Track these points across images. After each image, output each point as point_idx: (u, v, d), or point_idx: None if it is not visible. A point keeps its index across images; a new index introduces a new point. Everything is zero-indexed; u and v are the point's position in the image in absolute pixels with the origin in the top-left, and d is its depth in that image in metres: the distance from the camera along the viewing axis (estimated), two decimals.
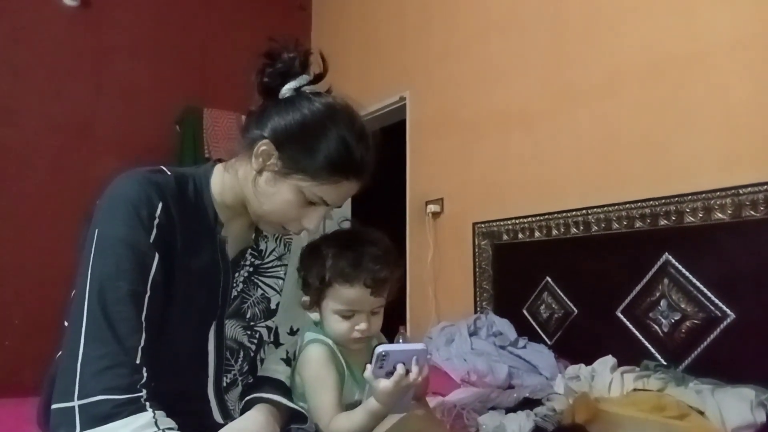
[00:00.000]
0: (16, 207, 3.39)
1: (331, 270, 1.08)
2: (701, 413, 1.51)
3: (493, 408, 1.76)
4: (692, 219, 1.97)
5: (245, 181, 1.01)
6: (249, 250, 1.12)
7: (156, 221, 0.93)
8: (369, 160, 1.01)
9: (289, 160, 0.97)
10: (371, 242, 1.12)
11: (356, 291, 1.08)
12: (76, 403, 0.81)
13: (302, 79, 1.02)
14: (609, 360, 1.92)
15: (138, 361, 0.86)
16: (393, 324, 2.57)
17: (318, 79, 1.05)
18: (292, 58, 1.01)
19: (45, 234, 3.30)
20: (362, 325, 1.10)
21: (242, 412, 1.05)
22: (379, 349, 0.98)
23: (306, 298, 1.15)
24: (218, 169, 1.07)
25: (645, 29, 2.21)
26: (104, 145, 3.61)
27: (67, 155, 3.56)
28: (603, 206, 2.27)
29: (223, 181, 1.05)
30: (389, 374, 1.00)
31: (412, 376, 1.00)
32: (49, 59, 3.60)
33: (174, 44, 4.00)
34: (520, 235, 2.63)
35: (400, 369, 0.99)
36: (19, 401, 1.48)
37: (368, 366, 1.01)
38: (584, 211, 2.33)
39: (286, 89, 1.00)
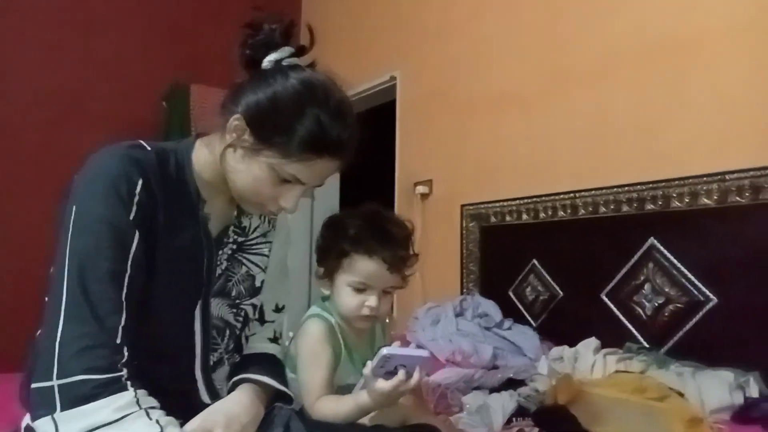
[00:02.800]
0: (4, 181, 3.35)
1: (354, 240, 1.09)
2: (681, 395, 1.54)
3: (477, 388, 1.78)
4: (678, 204, 1.99)
5: (221, 157, 0.99)
6: (232, 228, 1.10)
7: (136, 198, 0.90)
8: (346, 137, 0.96)
9: (260, 137, 0.94)
10: (395, 223, 1.14)
11: (374, 265, 1.09)
12: (55, 382, 0.80)
13: (284, 51, 0.98)
14: (592, 342, 1.94)
15: (118, 341, 0.84)
16: None
17: (301, 51, 1.01)
18: (273, 29, 0.98)
19: (30, 209, 3.25)
20: (373, 300, 1.11)
21: (229, 392, 1.04)
22: (384, 351, 0.97)
23: (320, 269, 1.14)
24: (199, 144, 1.04)
25: (640, 12, 2.20)
26: (91, 121, 3.56)
27: (54, 130, 3.51)
28: (590, 190, 2.28)
29: (203, 157, 1.02)
30: (388, 374, 0.99)
31: (412, 382, 1.00)
32: (36, 33, 3.53)
33: (162, 19, 3.93)
34: (507, 218, 2.63)
35: (401, 374, 0.99)
36: (1, 377, 1.47)
37: (368, 363, 1.01)
38: (572, 195, 2.34)
39: (267, 61, 0.97)
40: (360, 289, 1.11)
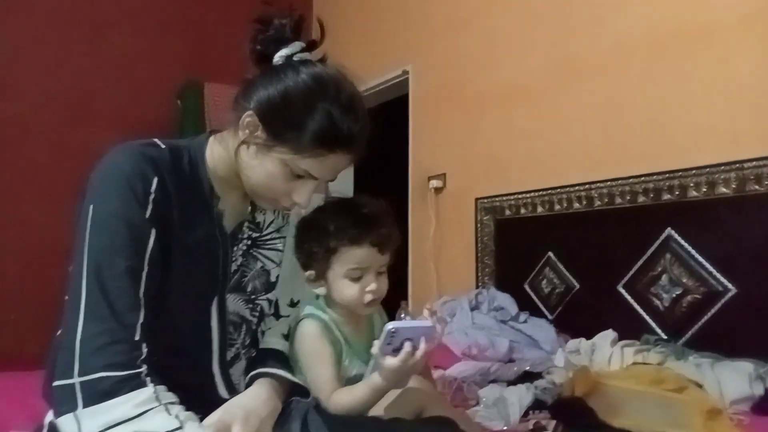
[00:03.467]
0: (17, 181, 3.40)
1: (337, 236, 1.09)
2: (700, 386, 1.53)
3: (493, 381, 1.78)
4: (695, 194, 1.96)
5: (235, 154, 0.99)
6: (246, 223, 1.10)
7: (152, 196, 0.91)
8: (358, 131, 0.96)
9: (272, 133, 0.94)
10: (365, 205, 1.13)
11: (364, 251, 1.09)
12: (76, 380, 0.81)
13: (294, 46, 0.98)
14: (609, 334, 1.93)
15: (137, 338, 0.86)
16: (395, 299, 2.58)
17: (312, 46, 1.01)
18: (283, 23, 0.97)
19: (46, 208, 3.29)
20: (372, 285, 1.11)
21: (246, 387, 1.05)
22: (389, 326, 0.98)
23: (310, 272, 1.15)
24: (212, 140, 1.05)
25: (650, 3, 2.18)
26: (104, 120, 3.60)
27: (66, 129, 3.54)
28: (606, 181, 2.26)
29: (217, 153, 1.03)
30: (396, 351, 1.00)
31: (419, 353, 1.00)
32: (47, 32, 3.57)
33: (175, 16, 3.95)
34: (522, 211, 2.62)
35: (407, 347, 0.99)
36: (26, 374, 1.50)
37: (376, 342, 1.01)
38: (587, 186, 2.33)
39: (278, 56, 0.97)
40: (356, 278, 1.11)
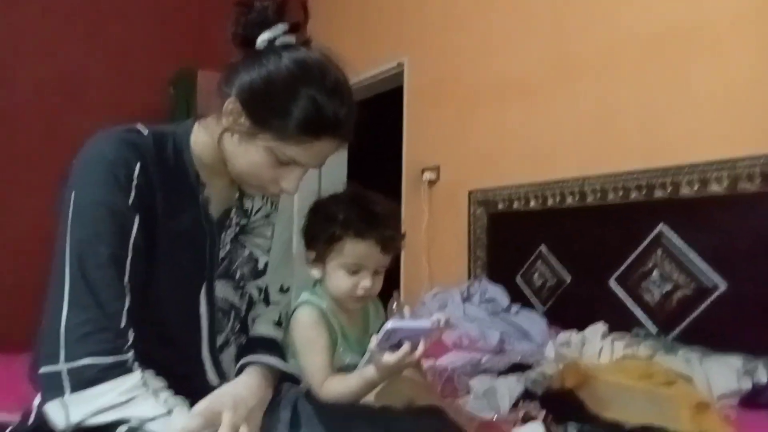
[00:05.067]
0: (8, 168, 3.37)
1: (344, 225, 1.09)
2: (689, 381, 1.53)
3: (484, 372, 1.78)
4: (688, 191, 1.97)
5: (219, 141, 0.97)
6: (234, 210, 1.09)
7: (134, 183, 0.90)
8: (344, 116, 0.93)
9: (256, 120, 0.92)
10: (381, 203, 1.14)
11: (367, 247, 1.09)
12: (63, 366, 0.81)
13: (277, 29, 0.94)
14: (600, 327, 1.94)
15: (122, 325, 0.85)
16: (388, 289, 2.58)
17: (295, 28, 0.97)
18: (265, 6, 0.94)
19: (36, 194, 3.26)
20: (366, 282, 1.11)
21: (236, 375, 1.04)
22: (389, 325, 0.97)
23: (310, 253, 1.15)
24: (197, 127, 1.03)
25: (645, 1, 2.18)
26: (97, 107, 3.57)
27: (59, 116, 3.52)
28: (599, 176, 2.26)
29: (202, 140, 1.01)
30: (393, 347, 1.00)
31: (417, 354, 1.01)
32: (41, 19, 3.53)
33: (168, 4, 3.92)
34: (515, 204, 2.62)
35: (406, 347, 1.00)
36: (11, 357, 1.49)
37: (374, 338, 1.01)
38: (580, 181, 2.33)
39: (261, 40, 0.94)
40: (353, 271, 1.11)
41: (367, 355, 1.07)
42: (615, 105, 2.26)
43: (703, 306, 1.88)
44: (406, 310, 1.11)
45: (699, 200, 1.94)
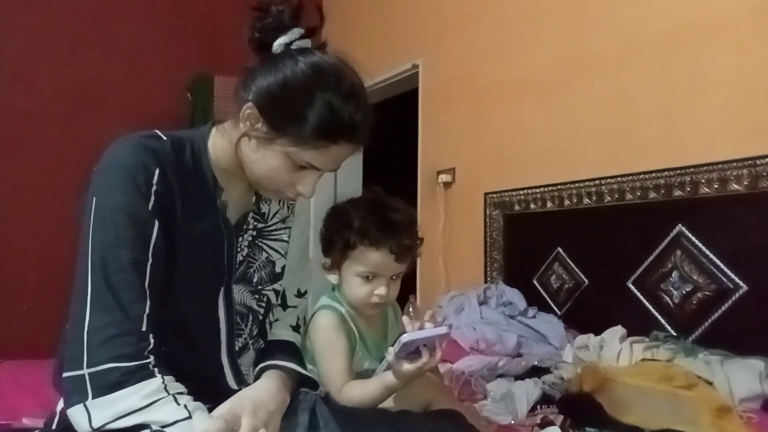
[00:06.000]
0: (28, 172, 3.42)
1: (359, 232, 1.09)
2: (710, 384, 1.52)
3: (501, 376, 1.78)
4: (707, 190, 1.95)
5: (236, 146, 0.98)
6: (251, 214, 1.10)
7: (154, 188, 0.91)
8: (360, 120, 0.93)
9: (273, 125, 0.92)
10: (398, 210, 1.13)
11: (381, 255, 1.09)
12: (86, 371, 0.83)
13: (293, 34, 0.95)
14: (618, 330, 1.92)
15: (144, 329, 0.86)
16: (404, 293, 2.59)
17: (311, 33, 0.97)
18: (281, 10, 0.95)
19: (57, 199, 3.32)
20: (382, 290, 1.11)
21: (255, 379, 1.05)
22: (405, 338, 0.98)
23: (327, 260, 1.15)
24: (215, 132, 1.04)
25: None
26: (115, 112, 3.61)
27: (77, 121, 3.57)
28: (616, 177, 2.24)
29: (219, 145, 1.02)
30: (410, 354, 1.01)
31: (435, 361, 1.01)
32: (60, 25, 3.58)
33: (186, 10, 3.96)
34: (531, 206, 2.61)
35: (425, 357, 1.00)
36: (38, 363, 1.51)
37: (390, 349, 1.01)
38: (597, 182, 2.31)
39: (277, 45, 0.95)
40: (368, 278, 1.11)
41: (384, 363, 1.07)
42: (632, 104, 2.24)
43: (723, 308, 1.86)
44: (428, 316, 1.10)
45: (719, 200, 1.91)
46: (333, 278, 1.16)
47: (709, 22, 1.99)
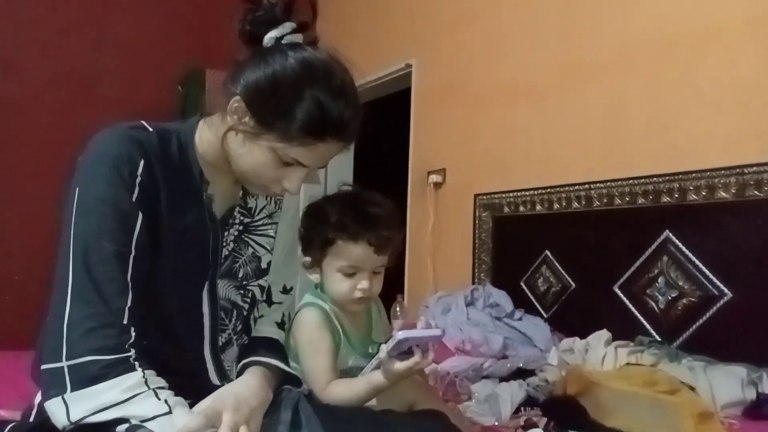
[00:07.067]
0: (17, 162, 3.39)
1: (336, 227, 1.08)
2: (692, 389, 1.53)
3: (486, 377, 1.78)
4: (695, 197, 1.96)
5: (223, 140, 0.97)
6: (237, 208, 1.09)
7: (138, 179, 0.90)
8: (349, 119, 0.92)
9: (260, 120, 0.91)
10: (375, 203, 1.12)
11: (360, 248, 1.08)
12: (65, 363, 0.81)
13: (285, 28, 0.94)
14: (603, 334, 1.93)
15: (125, 322, 0.85)
16: (391, 293, 2.59)
17: (303, 27, 0.96)
18: (273, 4, 0.94)
19: (45, 190, 3.28)
20: (364, 284, 1.10)
21: (238, 375, 1.04)
22: (400, 335, 0.97)
23: (307, 259, 1.14)
24: (202, 124, 1.03)
25: (656, 5, 2.17)
26: (105, 104, 3.58)
27: (68, 112, 3.54)
28: (606, 182, 2.25)
29: (206, 138, 1.01)
30: (402, 353, 1.00)
31: (427, 362, 1.01)
32: (50, 14, 3.55)
33: (178, 3, 3.93)
34: (521, 208, 2.62)
35: (417, 356, 0.99)
36: (18, 354, 1.49)
37: (383, 346, 1.01)
38: (587, 186, 2.32)
39: (268, 38, 0.93)
40: (350, 274, 1.10)
41: (374, 362, 1.07)
42: (623, 110, 2.25)
43: (708, 314, 1.87)
44: (421, 321, 1.09)
45: (706, 207, 1.93)
46: (315, 277, 1.15)
47: (702, 30, 2.01)
